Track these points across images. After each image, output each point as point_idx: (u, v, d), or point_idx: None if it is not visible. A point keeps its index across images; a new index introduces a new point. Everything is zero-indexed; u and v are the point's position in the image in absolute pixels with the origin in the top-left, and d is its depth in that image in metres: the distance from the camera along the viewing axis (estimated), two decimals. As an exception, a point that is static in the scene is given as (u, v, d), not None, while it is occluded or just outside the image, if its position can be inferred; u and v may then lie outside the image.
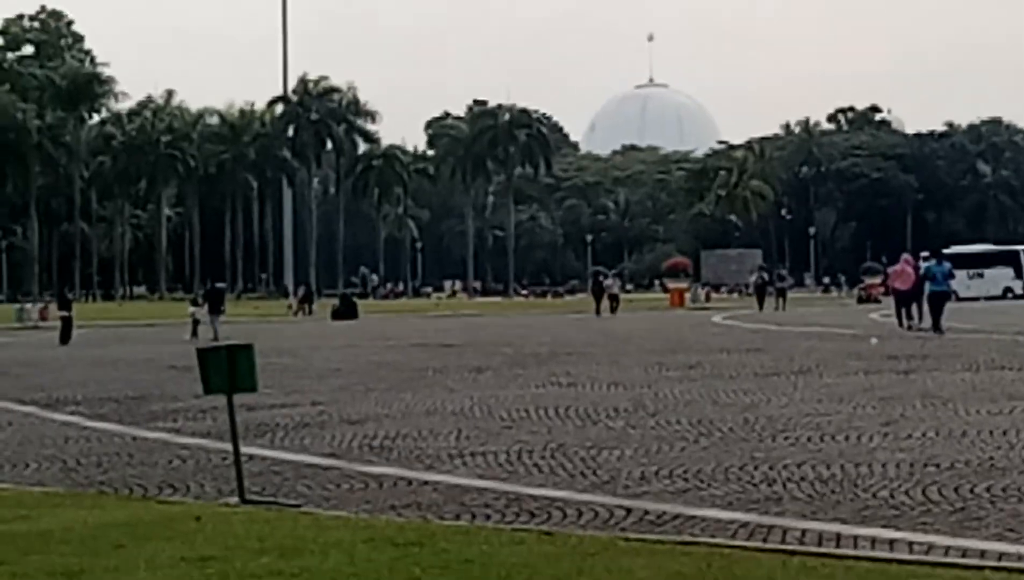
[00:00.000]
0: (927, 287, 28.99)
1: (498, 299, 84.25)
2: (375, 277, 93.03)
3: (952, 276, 30.30)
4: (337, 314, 50.58)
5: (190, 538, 7.08)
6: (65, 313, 35.74)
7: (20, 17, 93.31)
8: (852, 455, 10.61)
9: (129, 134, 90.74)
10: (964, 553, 6.76)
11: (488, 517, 8.12)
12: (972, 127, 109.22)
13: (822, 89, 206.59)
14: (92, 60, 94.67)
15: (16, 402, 17.78)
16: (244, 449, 9.45)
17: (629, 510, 8.16)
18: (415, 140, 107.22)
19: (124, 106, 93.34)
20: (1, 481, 9.95)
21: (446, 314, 56.91)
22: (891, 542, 7.04)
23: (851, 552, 6.75)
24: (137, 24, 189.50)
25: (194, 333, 34.85)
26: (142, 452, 12.09)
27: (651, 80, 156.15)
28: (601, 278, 54.87)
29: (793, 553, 6.63)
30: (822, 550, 6.83)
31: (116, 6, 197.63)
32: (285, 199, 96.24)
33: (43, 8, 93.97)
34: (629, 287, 63.39)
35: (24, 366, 26.41)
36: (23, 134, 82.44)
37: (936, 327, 28.00)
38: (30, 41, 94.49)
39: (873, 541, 7.08)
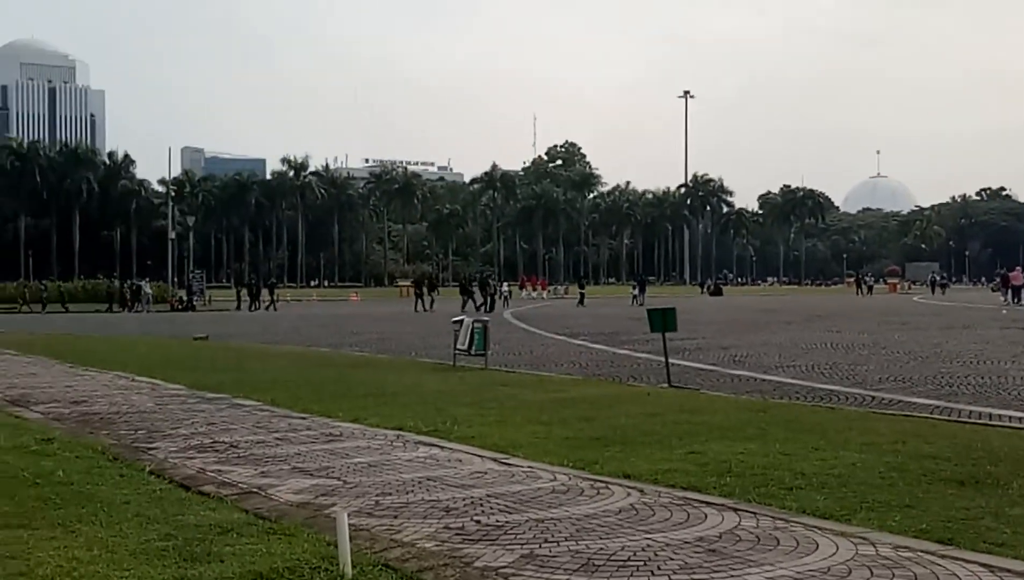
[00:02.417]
0: None
1: (795, 286, 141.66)
2: (729, 274, 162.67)
3: None
4: (712, 293, 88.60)
5: (644, 403, 13.40)
6: (581, 290, 65.84)
7: (555, 146, 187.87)
8: (994, 371, 17.59)
9: (607, 203, 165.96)
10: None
11: (798, 398, 14.33)
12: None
13: (972, 174, 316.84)
14: (588, 165, 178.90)
15: (555, 334, 30.79)
16: (669, 360, 17.02)
17: (873, 397, 14.39)
18: (751, 204, 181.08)
19: (605, 189, 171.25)
20: (550, 372, 18.37)
21: (769, 294, 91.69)
22: (1020, 419, 12.25)
23: (996, 423, 11.76)
24: (609, 146, 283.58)
25: (633, 301, 58.20)
26: (618, 360, 20.89)
27: (878, 173, 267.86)
28: (862, 275, 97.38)
29: (964, 423, 11.79)
30: (980, 422, 11.74)
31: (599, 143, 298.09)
32: (686, 236, 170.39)
33: (566, 141, 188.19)
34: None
35: (557, 316, 44.96)
36: (555, 204, 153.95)
37: None
38: (560, 157, 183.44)
39: (1010, 418, 12.32)
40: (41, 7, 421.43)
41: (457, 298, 55.17)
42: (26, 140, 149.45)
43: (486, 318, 19.84)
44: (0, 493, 7.79)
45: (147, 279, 74.66)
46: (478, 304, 50.07)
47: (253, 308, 58.38)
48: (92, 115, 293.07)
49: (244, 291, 62.71)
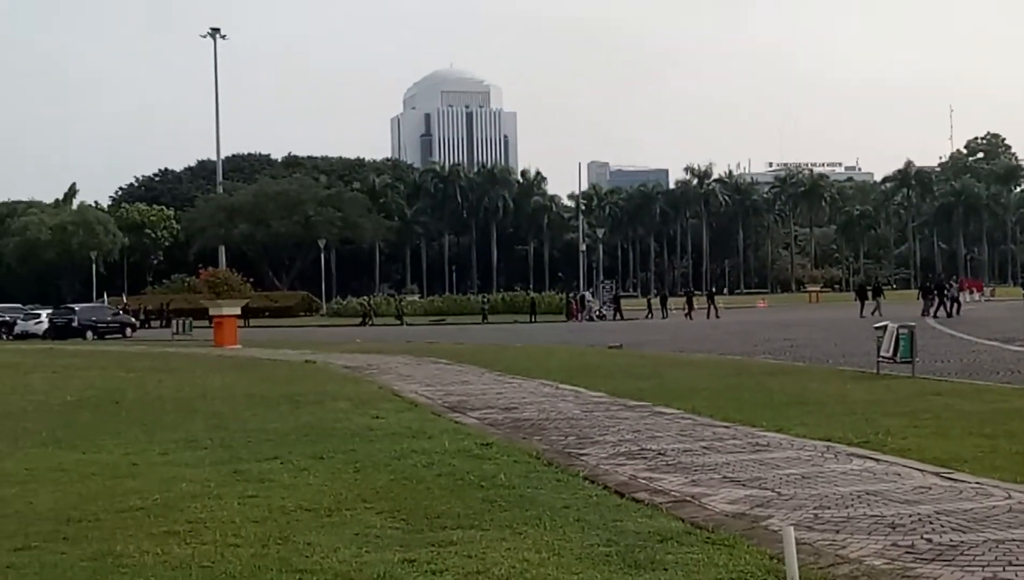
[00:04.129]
0: None
1: None
2: None
3: None
4: None
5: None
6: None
7: (975, 138, 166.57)
8: None
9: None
10: None
11: None
12: None
13: None
14: (1014, 157, 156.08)
15: (986, 339, 28.07)
16: None
17: None
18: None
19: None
20: (985, 380, 17.05)
21: None
22: None
23: None
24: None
25: None
26: None
27: None
28: None
29: None
30: None
31: None
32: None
33: (988, 132, 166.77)
34: None
35: (986, 320, 39.71)
36: (976, 200, 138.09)
37: None
38: (981, 149, 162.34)
39: None
40: (457, 38, 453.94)
41: (897, 303, 53.58)
42: (447, 164, 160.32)
43: (912, 324, 18.82)
44: (451, 494, 8.31)
45: (591, 290, 78.30)
46: (934, 309, 47.36)
47: (686, 316, 59.51)
48: (505, 136, 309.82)
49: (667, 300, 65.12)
